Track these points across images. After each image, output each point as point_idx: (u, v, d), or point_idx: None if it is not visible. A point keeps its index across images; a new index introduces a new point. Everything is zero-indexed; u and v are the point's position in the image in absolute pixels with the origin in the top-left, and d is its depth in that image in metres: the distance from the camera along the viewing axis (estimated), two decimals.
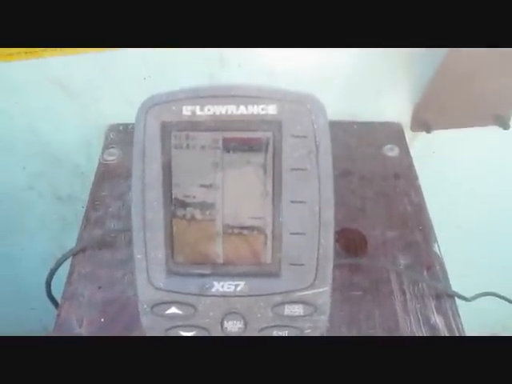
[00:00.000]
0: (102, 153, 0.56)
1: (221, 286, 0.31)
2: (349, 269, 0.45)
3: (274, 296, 0.31)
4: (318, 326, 0.32)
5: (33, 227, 0.69)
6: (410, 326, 0.42)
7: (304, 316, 0.31)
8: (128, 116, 0.57)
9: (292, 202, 0.30)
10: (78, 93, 0.57)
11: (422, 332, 0.41)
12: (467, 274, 0.46)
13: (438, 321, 0.42)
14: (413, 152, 0.57)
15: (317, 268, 0.30)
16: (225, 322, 0.31)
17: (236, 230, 0.31)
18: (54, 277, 0.48)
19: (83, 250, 0.47)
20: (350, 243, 0.47)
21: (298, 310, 0.31)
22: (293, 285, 0.31)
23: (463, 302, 0.45)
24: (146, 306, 0.31)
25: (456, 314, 0.43)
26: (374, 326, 0.42)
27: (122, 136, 0.58)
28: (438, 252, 0.47)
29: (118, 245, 0.47)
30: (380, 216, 0.50)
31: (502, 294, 0.52)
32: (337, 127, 0.57)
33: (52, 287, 0.50)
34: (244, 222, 0.31)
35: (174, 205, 0.30)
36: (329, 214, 0.30)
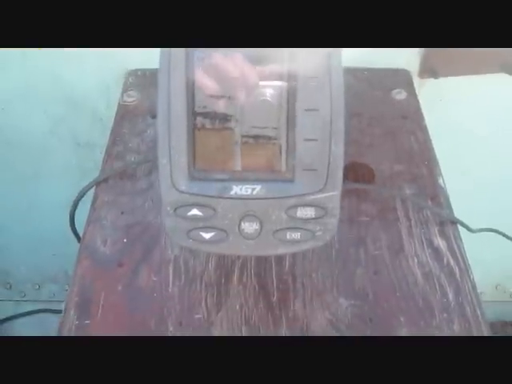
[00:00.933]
0: (122, 95, 0.58)
1: (239, 189, 0.33)
2: (357, 197, 0.47)
3: (288, 199, 0.33)
4: (328, 228, 0.34)
5: (53, 173, 0.71)
6: (414, 249, 0.44)
7: (315, 218, 0.34)
8: (146, 62, 0.60)
9: (306, 110, 0.32)
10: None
11: (426, 254, 0.44)
12: (471, 212, 0.48)
13: (441, 244, 0.44)
14: (421, 99, 0.58)
15: (328, 173, 0.33)
16: (242, 224, 0.34)
17: (253, 138, 0.33)
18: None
19: (106, 180, 0.49)
20: (359, 176, 0.50)
21: (310, 212, 0.34)
22: (305, 189, 0.33)
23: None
24: (169, 209, 0.34)
25: (458, 238, 0.45)
26: (380, 248, 0.44)
27: (140, 80, 0.60)
28: (442, 185, 0.49)
29: (138, 175, 0.50)
30: (387, 152, 0.52)
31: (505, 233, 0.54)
32: (348, 73, 0.59)
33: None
34: (261, 130, 0.33)
35: (196, 115, 0.33)
36: (339, 123, 0.32)
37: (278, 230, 0.34)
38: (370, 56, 0.60)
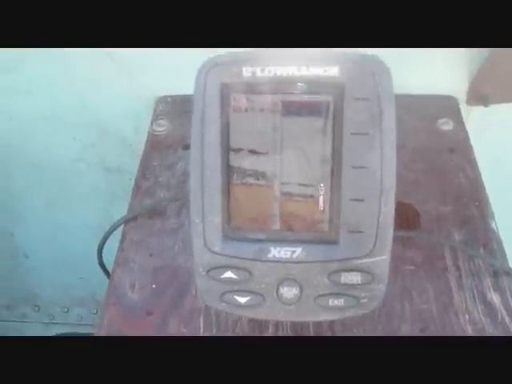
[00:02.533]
0: (152, 124, 0.56)
1: (277, 252, 0.30)
2: (401, 243, 0.44)
3: (331, 263, 0.30)
4: (374, 294, 0.31)
5: (82, 198, 0.70)
6: (465, 303, 0.40)
7: (361, 284, 0.31)
8: (177, 88, 0.57)
9: (353, 167, 0.29)
10: (128, 65, 0.57)
11: (478, 309, 0.40)
12: None
13: (494, 298, 0.40)
14: (468, 127, 0.54)
15: (376, 235, 0.30)
16: (280, 288, 0.31)
17: (294, 196, 0.30)
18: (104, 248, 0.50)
19: (134, 218, 0.47)
20: (403, 218, 0.46)
21: (355, 277, 0.31)
22: (351, 252, 0.30)
23: None
24: (201, 270, 0.31)
25: None
26: (427, 301, 0.41)
27: (170, 108, 0.58)
28: (495, 229, 0.45)
29: (168, 214, 0.48)
30: (434, 190, 0.48)
31: None
32: None
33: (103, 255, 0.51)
34: (302, 187, 0.30)
35: (232, 169, 0.30)
36: (391, 180, 0.29)
37: (319, 296, 0.31)
38: (412, 81, 0.57)
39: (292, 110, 0.29)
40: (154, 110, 0.58)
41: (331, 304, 0.31)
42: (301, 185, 0.30)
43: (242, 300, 0.32)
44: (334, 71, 0.28)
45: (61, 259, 0.77)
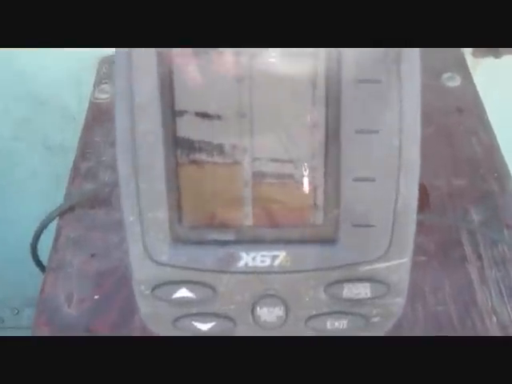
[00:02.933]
0: (94, 90, 0.47)
1: (251, 259, 0.21)
2: None
3: (328, 271, 0.21)
4: (391, 311, 0.22)
5: (22, 182, 0.62)
6: (491, 300, 0.33)
7: (372, 298, 0.22)
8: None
9: (358, 131, 0.20)
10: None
11: (507, 308, 0.32)
12: None
13: None
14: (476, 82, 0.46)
15: (393, 230, 0.21)
16: (257, 309, 0.22)
17: (271, 178, 0.21)
18: (44, 240, 0.41)
19: (72, 208, 0.38)
20: None
21: (363, 290, 0.22)
22: (356, 255, 0.21)
23: None
24: (143, 288, 0.22)
25: None
26: (444, 301, 0.33)
27: None
28: None
29: (114, 202, 0.38)
30: (443, 161, 0.40)
31: None
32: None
33: (41, 252, 0.42)
34: (283, 165, 0.21)
35: (180, 142, 0.21)
36: (414, 151, 0.20)
37: (312, 317, 0.22)
38: None
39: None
40: (97, 73, 0.49)
41: (330, 327, 0.22)
42: (281, 161, 0.21)
43: (204, 327, 0.22)
44: None
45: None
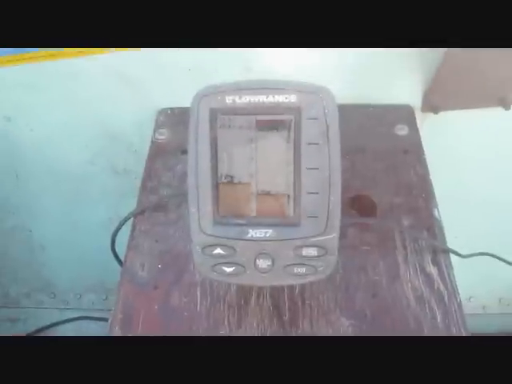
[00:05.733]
0: (154, 132, 0.66)
1: (254, 233, 0.40)
2: (360, 228, 0.54)
3: (295, 241, 0.40)
4: (328, 264, 0.41)
5: (93, 197, 0.80)
6: (409, 275, 0.50)
7: (318, 256, 0.41)
8: (175, 102, 0.67)
9: (308, 168, 0.39)
10: (134, 82, 0.67)
11: (419, 280, 0.50)
12: (463, 238, 0.54)
13: (432, 271, 0.51)
14: (422, 132, 0.64)
15: (327, 219, 0.40)
16: (257, 261, 0.41)
17: (266, 191, 0.40)
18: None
19: (142, 211, 0.57)
20: (362, 208, 0.56)
21: (313, 251, 0.41)
22: (309, 232, 0.40)
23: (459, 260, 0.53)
24: (198, 248, 0.41)
25: (449, 266, 0.51)
26: (378, 274, 0.50)
27: (170, 118, 0.67)
28: (437, 216, 0.55)
29: (170, 208, 0.58)
30: (389, 185, 0.58)
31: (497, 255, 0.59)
32: (355, 110, 0.65)
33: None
34: (272, 185, 0.40)
35: (219, 172, 0.40)
36: (336, 177, 0.39)
37: (287, 266, 0.41)
38: (374, 92, 0.66)
39: (263, 126, 0.39)
40: (156, 121, 0.68)
41: (296, 272, 0.41)
42: (272, 183, 0.40)
43: (228, 270, 0.42)
44: (293, 98, 0.38)
45: (74, 252, 0.87)
